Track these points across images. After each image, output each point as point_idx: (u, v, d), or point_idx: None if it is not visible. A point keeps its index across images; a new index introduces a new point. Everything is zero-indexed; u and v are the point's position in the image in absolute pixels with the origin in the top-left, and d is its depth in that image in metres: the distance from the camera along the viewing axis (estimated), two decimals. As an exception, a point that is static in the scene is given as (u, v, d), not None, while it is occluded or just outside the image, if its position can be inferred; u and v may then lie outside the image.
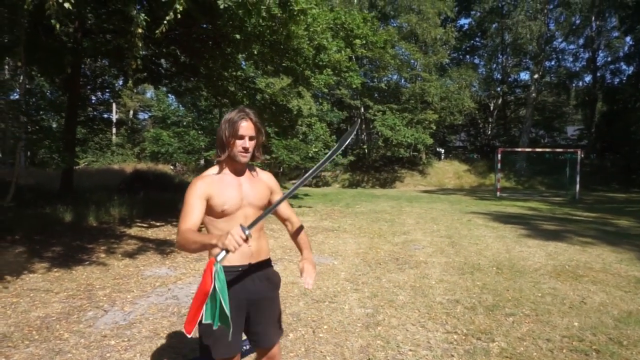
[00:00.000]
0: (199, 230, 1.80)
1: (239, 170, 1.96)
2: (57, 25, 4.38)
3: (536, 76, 28.23)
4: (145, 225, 8.69)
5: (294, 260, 5.84)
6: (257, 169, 2.07)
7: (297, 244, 2.09)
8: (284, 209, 2.07)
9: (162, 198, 11.22)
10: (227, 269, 1.82)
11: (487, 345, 3.27)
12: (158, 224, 8.86)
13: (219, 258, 1.60)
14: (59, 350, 3.16)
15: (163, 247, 6.75)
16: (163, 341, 3.30)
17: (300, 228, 2.08)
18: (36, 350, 3.15)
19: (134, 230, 8.09)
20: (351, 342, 3.32)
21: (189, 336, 1.73)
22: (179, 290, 4.63)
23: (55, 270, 5.32)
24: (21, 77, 12.67)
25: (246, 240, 1.56)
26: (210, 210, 1.86)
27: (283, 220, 2.11)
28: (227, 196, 1.87)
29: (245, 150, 1.87)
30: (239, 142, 1.87)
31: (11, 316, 3.83)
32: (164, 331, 3.50)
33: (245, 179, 1.97)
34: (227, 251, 1.56)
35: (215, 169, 1.95)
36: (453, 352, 3.15)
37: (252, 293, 1.93)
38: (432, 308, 4.09)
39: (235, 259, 1.88)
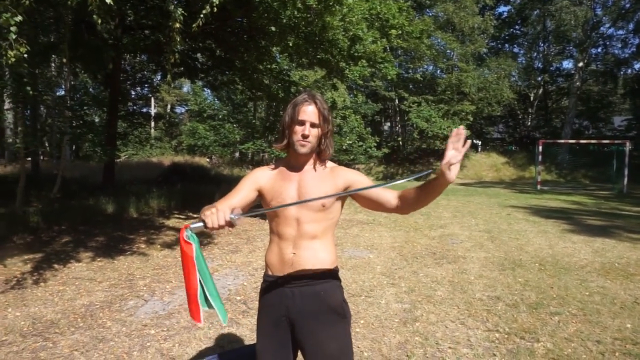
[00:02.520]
0: None
1: (302, 163, 1.68)
2: (99, 21, 4.49)
3: (581, 64, 26.94)
4: (182, 216, 8.88)
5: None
6: (332, 165, 1.73)
7: (423, 190, 1.55)
8: (374, 190, 1.61)
9: (198, 190, 11.44)
10: (267, 278, 1.70)
11: (532, 345, 3.13)
12: (195, 215, 9.03)
13: (191, 225, 1.45)
14: (102, 337, 3.25)
15: (200, 239, 6.82)
16: (201, 332, 3.35)
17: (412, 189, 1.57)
18: (81, 337, 3.26)
19: (172, 222, 8.28)
20: (389, 338, 3.26)
21: (200, 324, 1.64)
22: (216, 282, 4.68)
23: (99, 259, 5.50)
24: (66, 74, 13.17)
25: (230, 225, 1.40)
26: (264, 206, 1.69)
27: (388, 202, 1.61)
28: (277, 192, 1.65)
29: (305, 137, 1.60)
30: (298, 128, 1.61)
31: (58, 303, 3.98)
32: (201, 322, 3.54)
33: (308, 175, 1.66)
34: (205, 225, 1.42)
35: (280, 161, 1.74)
36: (495, 351, 3.04)
37: (292, 311, 1.62)
38: (472, 305, 3.97)
39: (275, 267, 1.67)
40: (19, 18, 4.12)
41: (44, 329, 3.41)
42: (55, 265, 5.16)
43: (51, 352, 3.02)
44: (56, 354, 3.00)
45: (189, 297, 1.51)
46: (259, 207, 1.70)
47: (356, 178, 1.67)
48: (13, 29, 4.12)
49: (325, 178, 1.66)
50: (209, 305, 1.51)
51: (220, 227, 1.41)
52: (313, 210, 1.61)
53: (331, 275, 1.67)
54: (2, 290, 4.30)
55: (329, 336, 1.60)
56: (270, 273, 1.68)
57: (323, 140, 1.65)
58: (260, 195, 1.69)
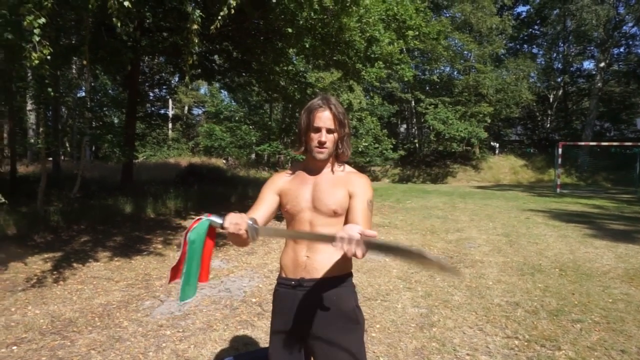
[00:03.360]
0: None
1: (319, 167, 1.67)
2: (119, 24, 4.55)
3: (602, 64, 26.38)
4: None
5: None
6: (351, 171, 1.71)
7: None
8: (355, 217, 1.55)
9: (214, 191, 11.53)
10: (281, 281, 1.70)
11: (553, 353, 3.05)
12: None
13: (212, 217, 1.45)
14: (119, 337, 3.28)
15: (216, 240, 6.88)
16: (216, 333, 3.35)
17: None
18: (98, 336, 3.29)
19: (188, 222, 8.31)
20: (405, 343, 3.21)
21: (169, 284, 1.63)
22: (232, 283, 4.69)
23: (116, 259, 5.57)
24: (86, 76, 13.40)
25: (241, 230, 1.34)
26: (282, 210, 1.69)
27: None
28: (293, 195, 1.66)
29: (321, 144, 1.58)
30: (314, 135, 1.60)
31: (76, 302, 4.03)
32: (217, 323, 3.55)
33: (324, 178, 1.65)
34: (222, 223, 1.39)
35: (298, 164, 1.75)
36: (514, 359, 2.97)
37: (304, 315, 1.60)
38: (490, 310, 3.89)
39: (288, 269, 1.66)
40: (42, 20, 4.20)
41: (62, 327, 3.46)
42: (74, 264, 5.24)
43: (69, 350, 3.06)
44: (74, 352, 3.03)
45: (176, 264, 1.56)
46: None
47: (359, 192, 1.60)
48: (37, 31, 4.20)
49: (339, 183, 1.64)
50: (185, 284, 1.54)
51: (235, 229, 1.36)
52: (325, 215, 1.60)
53: (345, 279, 1.65)
54: (23, 288, 4.37)
55: (341, 343, 1.56)
56: (284, 275, 1.68)
57: (340, 144, 1.63)
58: (280, 196, 1.70)
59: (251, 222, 1.37)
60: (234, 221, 1.36)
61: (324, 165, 1.67)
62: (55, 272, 4.90)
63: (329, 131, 1.59)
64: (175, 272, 1.55)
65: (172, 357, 2.98)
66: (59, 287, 4.45)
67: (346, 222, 1.60)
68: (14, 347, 3.09)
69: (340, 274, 1.63)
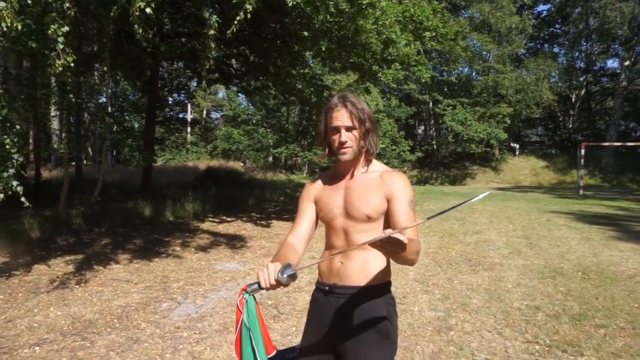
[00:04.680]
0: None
1: (349, 167, 1.60)
2: (140, 30, 4.63)
3: (627, 63, 25.72)
4: (217, 220, 9.02)
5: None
6: (384, 169, 1.60)
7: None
8: (400, 220, 1.46)
9: (232, 194, 11.62)
10: (317, 285, 1.66)
11: (575, 359, 2.97)
12: (229, 219, 9.16)
13: (249, 289, 1.38)
14: (137, 339, 3.32)
15: (233, 242, 6.95)
16: (232, 336, 3.34)
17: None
18: (117, 337, 3.34)
19: (206, 225, 8.42)
20: (422, 347, 3.17)
21: None
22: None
23: (136, 261, 5.65)
24: (107, 82, 13.69)
25: (277, 285, 1.30)
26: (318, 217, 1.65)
27: None
28: (325, 202, 1.61)
29: (343, 144, 1.51)
30: (335, 137, 1.53)
31: (96, 304, 4.11)
32: (233, 326, 3.55)
33: (355, 183, 1.58)
34: (259, 285, 1.33)
35: (328, 171, 1.70)
36: (535, 365, 2.90)
37: (334, 324, 1.54)
38: (510, 314, 3.82)
39: (324, 274, 1.62)
40: (65, 29, 4.30)
41: (82, 328, 3.52)
42: (95, 267, 5.34)
43: (89, 351, 3.11)
44: (93, 353, 3.08)
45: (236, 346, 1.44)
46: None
47: (398, 194, 1.50)
48: (60, 39, 4.31)
49: (372, 186, 1.54)
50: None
51: (272, 287, 1.32)
52: (359, 221, 1.53)
53: (380, 290, 1.55)
54: (46, 290, 4.48)
55: (369, 357, 1.48)
56: (320, 280, 1.65)
57: (364, 142, 1.54)
58: (316, 204, 1.66)
59: (282, 275, 1.32)
60: (266, 278, 1.31)
61: (353, 166, 1.59)
62: (76, 274, 5.00)
63: (348, 129, 1.51)
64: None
65: (189, 358, 3.00)
66: (80, 289, 4.54)
67: (390, 226, 1.51)
68: (37, 348, 3.16)
69: (375, 283, 1.53)
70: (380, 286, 1.54)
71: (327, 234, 1.64)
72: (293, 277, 1.33)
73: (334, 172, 1.66)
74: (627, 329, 3.48)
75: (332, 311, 1.54)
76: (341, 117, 1.50)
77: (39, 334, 3.41)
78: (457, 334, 3.40)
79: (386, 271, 1.56)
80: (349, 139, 1.51)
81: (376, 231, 1.50)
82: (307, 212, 1.65)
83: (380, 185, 1.53)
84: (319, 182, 1.68)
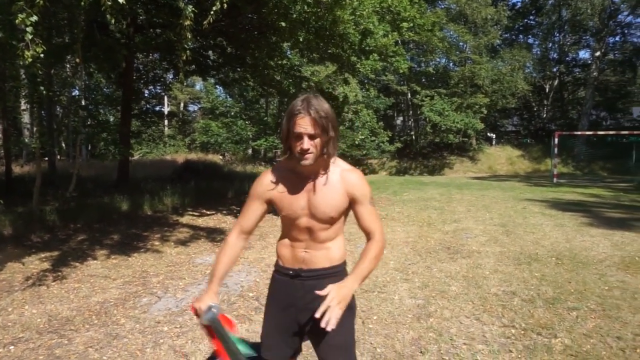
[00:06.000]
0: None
1: (309, 170, 1.61)
2: (113, 20, 4.51)
3: (598, 54, 26.36)
4: (196, 213, 8.94)
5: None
6: (342, 168, 1.66)
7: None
8: (364, 220, 1.66)
9: (211, 187, 11.51)
10: (279, 268, 1.76)
11: (549, 341, 3.07)
12: (208, 212, 9.08)
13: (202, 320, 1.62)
14: (116, 335, 3.28)
15: (213, 235, 6.90)
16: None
17: (369, 248, 1.64)
18: (95, 334, 3.29)
19: (185, 219, 8.33)
20: (402, 334, 3.23)
21: None
22: (228, 278, 4.69)
23: (113, 257, 5.56)
24: (80, 74, 13.33)
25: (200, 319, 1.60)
26: (278, 211, 1.71)
27: (363, 232, 1.70)
28: (288, 203, 1.64)
29: (304, 152, 1.52)
30: (297, 143, 1.53)
31: (74, 300, 4.03)
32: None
33: (318, 184, 1.62)
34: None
35: (284, 163, 1.70)
36: (511, 347, 2.98)
37: (300, 302, 1.68)
38: (487, 300, 3.91)
39: (286, 260, 1.72)
40: (34, 18, 4.15)
41: (59, 325, 3.46)
42: (71, 263, 5.23)
43: (66, 348, 3.06)
44: (71, 350, 3.03)
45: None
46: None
47: (359, 195, 1.64)
48: (29, 29, 4.16)
49: (333, 187, 1.62)
50: None
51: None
52: (323, 221, 1.63)
53: (340, 269, 1.72)
54: (20, 288, 4.37)
55: (337, 328, 1.58)
56: (281, 264, 1.74)
57: (326, 148, 1.56)
58: (272, 203, 1.71)
59: (204, 318, 1.59)
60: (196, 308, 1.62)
61: (314, 168, 1.61)
62: (52, 272, 4.89)
63: (311, 137, 1.51)
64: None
65: (170, 353, 2.99)
66: (56, 286, 4.45)
67: (358, 223, 1.69)
68: (11, 347, 3.09)
69: (337, 263, 1.70)
70: (340, 265, 1.72)
71: (289, 227, 1.71)
72: (213, 319, 1.59)
73: (291, 168, 1.65)
74: (597, 311, 3.60)
75: (299, 292, 1.68)
76: (304, 125, 1.50)
77: (14, 332, 3.33)
78: (436, 321, 3.46)
79: (343, 252, 1.75)
80: (311, 146, 1.52)
81: (338, 226, 1.69)
82: (255, 210, 1.72)
83: (340, 186, 1.62)
84: (275, 178, 1.68)
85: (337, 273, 1.69)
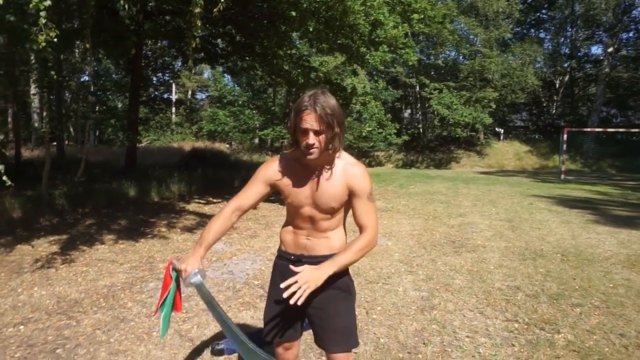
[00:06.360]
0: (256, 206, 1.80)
1: (315, 162, 1.66)
2: (125, 6, 4.51)
3: (610, 49, 26.00)
4: (202, 201, 8.99)
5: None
6: (346, 161, 1.70)
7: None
8: (360, 215, 1.69)
9: (218, 175, 11.56)
10: (281, 254, 1.86)
11: (552, 336, 3.08)
12: (215, 200, 9.13)
13: (174, 266, 1.74)
14: (123, 318, 3.33)
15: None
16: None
17: (357, 240, 1.68)
18: (103, 317, 3.35)
19: (192, 206, 8.39)
20: (405, 325, 3.25)
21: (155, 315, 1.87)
22: (234, 266, 4.74)
23: (121, 242, 5.63)
24: (89, 60, 13.36)
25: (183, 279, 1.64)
26: (284, 197, 1.77)
27: (357, 226, 1.74)
28: (293, 192, 1.71)
29: (309, 147, 1.57)
30: (303, 137, 1.58)
31: (82, 284, 4.09)
32: (220, 305, 3.59)
33: (322, 176, 1.68)
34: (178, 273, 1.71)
35: (290, 154, 1.75)
36: (514, 342, 3.00)
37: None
38: (491, 294, 3.93)
39: (289, 245, 1.81)
40: (48, 2, 4.17)
41: (68, 307, 3.51)
42: (80, 247, 5.30)
43: (75, 330, 3.11)
44: (79, 332, 3.08)
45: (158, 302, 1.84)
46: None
47: (357, 189, 1.68)
48: (43, 13, 4.18)
49: (336, 180, 1.68)
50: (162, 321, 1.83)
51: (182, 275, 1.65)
52: (325, 211, 1.70)
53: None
54: (29, 270, 4.44)
55: (335, 311, 1.75)
56: (283, 249, 1.84)
57: (331, 144, 1.60)
58: (276, 188, 1.77)
59: (189, 280, 1.66)
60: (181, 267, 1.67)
61: (320, 161, 1.66)
62: (60, 255, 4.96)
63: (316, 133, 1.56)
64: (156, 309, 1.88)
65: (176, 337, 3.03)
66: (64, 269, 4.51)
67: (353, 213, 1.72)
68: (21, 327, 3.15)
69: (336, 252, 1.73)
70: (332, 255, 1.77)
71: (293, 215, 1.79)
72: (200, 283, 1.67)
73: (298, 158, 1.69)
74: (601, 308, 3.61)
75: None
76: (310, 121, 1.54)
77: (24, 313, 3.39)
78: (440, 313, 3.48)
79: (344, 241, 1.80)
80: (317, 142, 1.57)
81: (339, 216, 1.76)
82: (256, 192, 1.78)
83: (342, 177, 1.67)
84: (281, 166, 1.75)
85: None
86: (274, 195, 1.87)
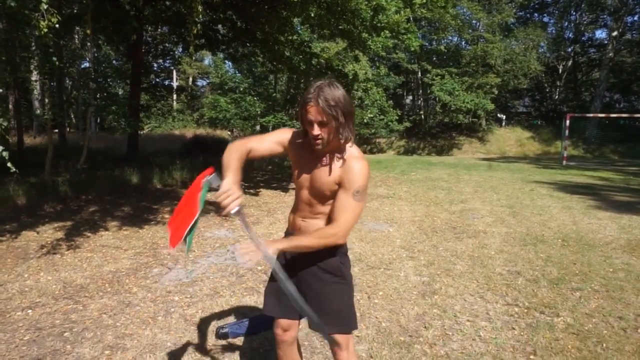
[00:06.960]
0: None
1: (322, 152, 1.70)
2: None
3: (615, 33, 25.70)
4: (205, 188, 9.01)
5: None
6: (351, 154, 1.70)
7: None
8: (337, 207, 1.68)
9: (220, 162, 11.57)
10: (285, 232, 1.99)
11: (552, 319, 3.13)
12: (217, 188, 9.15)
13: (213, 177, 1.69)
14: (129, 302, 3.39)
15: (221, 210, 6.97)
16: (223, 299, 3.45)
17: (322, 228, 1.73)
18: (109, 301, 3.40)
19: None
20: (407, 310, 3.30)
21: (172, 250, 1.82)
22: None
23: (125, 228, 5.67)
24: (89, 46, 13.29)
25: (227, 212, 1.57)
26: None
27: (331, 219, 1.74)
28: (299, 169, 1.80)
29: (315, 138, 1.61)
30: (308, 128, 1.63)
31: (87, 269, 4.14)
32: (224, 290, 3.64)
33: (323, 163, 1.72)
34: (218, 188, 1.64)
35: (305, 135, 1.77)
36: (514, 325, 3.05)
37: (296, 267, 1.81)
38: (492, 279, 3.97)
39: (290, 225, 1.92)
40: (50, -12, 4.15)
41: (74, 292, 3.57)
42: (84, 233, 5.35)
43: (81, 314, 3.17)
44: (86, 316, 3.14)
45: (178, 227, 1.72)
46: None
47: (346, 181, 1.67)
48: None
49: (334, 171, 1.70)
50: (187, 243, 1.69)
51: (225, 204, 1.57)
52: (319, 197, 1.75)
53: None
54: (35, 255, 4.49)
55: (329, 295, 1.79)
56: (288, 227, 1.96)
57: (336, 135, 1.63)
58: (287, 154, 1.85)
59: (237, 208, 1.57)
60: (228, 199, 1.60)
61: (328, 148, 1.69)
62: (65, 241, 5.01)
63: (321, 124, 1.59)
64: (177, 238, 1.69)
65: (181, 321, 3.08)
66: (69, 254, 4.56)
67: (331, 211, 1.73)
68: (29, 311, 3.20)
69: None
70: None
71: (296, 196, 1.88)
72: (240, 211, 1.58)
73: (308, 142, 1.71)
74: (601, 292, 3.65)
75: (293, 256, 1.83)
76: (314, 113, 1.59)
77: (31, 297, 3.44)
78: (441, 298, 3.53)
79: None
80: (322, 132, 1.61)
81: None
82: (271, 145, 1.81)
83: (339, 169, 1.69)
84: (295, 140, 1.80)
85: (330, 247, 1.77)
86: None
